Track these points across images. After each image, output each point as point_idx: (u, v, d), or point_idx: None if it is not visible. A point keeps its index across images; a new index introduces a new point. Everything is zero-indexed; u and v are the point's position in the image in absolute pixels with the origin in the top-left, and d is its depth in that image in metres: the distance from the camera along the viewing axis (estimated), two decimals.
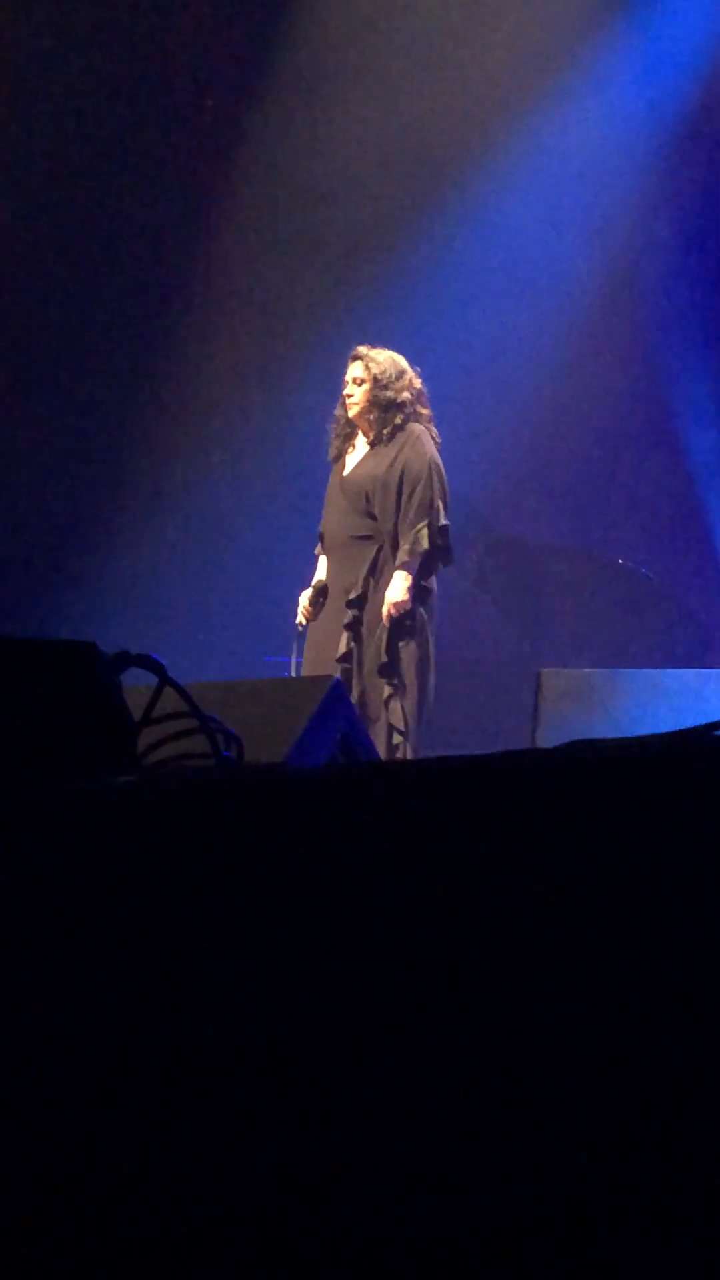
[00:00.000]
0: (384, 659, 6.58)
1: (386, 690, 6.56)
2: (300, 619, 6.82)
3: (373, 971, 1.55)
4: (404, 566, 6.62)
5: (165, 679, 2.37)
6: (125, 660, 2.27)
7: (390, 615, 6.56)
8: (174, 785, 1.88)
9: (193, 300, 10.01)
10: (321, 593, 6.81)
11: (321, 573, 6.87)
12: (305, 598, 6.82)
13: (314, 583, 6.86)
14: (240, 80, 10.06)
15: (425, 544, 6.64)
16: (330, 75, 9.94)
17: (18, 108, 9.42)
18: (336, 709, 4.24)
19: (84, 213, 9.63)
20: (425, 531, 6.65)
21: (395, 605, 6.56)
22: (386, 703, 6.56)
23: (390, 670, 6.58)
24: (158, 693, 2.38)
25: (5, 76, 9.42)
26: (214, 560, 9.70)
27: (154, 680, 2.38)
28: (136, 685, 2.40)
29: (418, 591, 6.65)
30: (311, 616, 6.81)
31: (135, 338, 9.79)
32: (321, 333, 9.30)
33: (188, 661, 8.19)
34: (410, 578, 6.61)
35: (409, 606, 6.59)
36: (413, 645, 6.63)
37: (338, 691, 4.33)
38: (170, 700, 2.39)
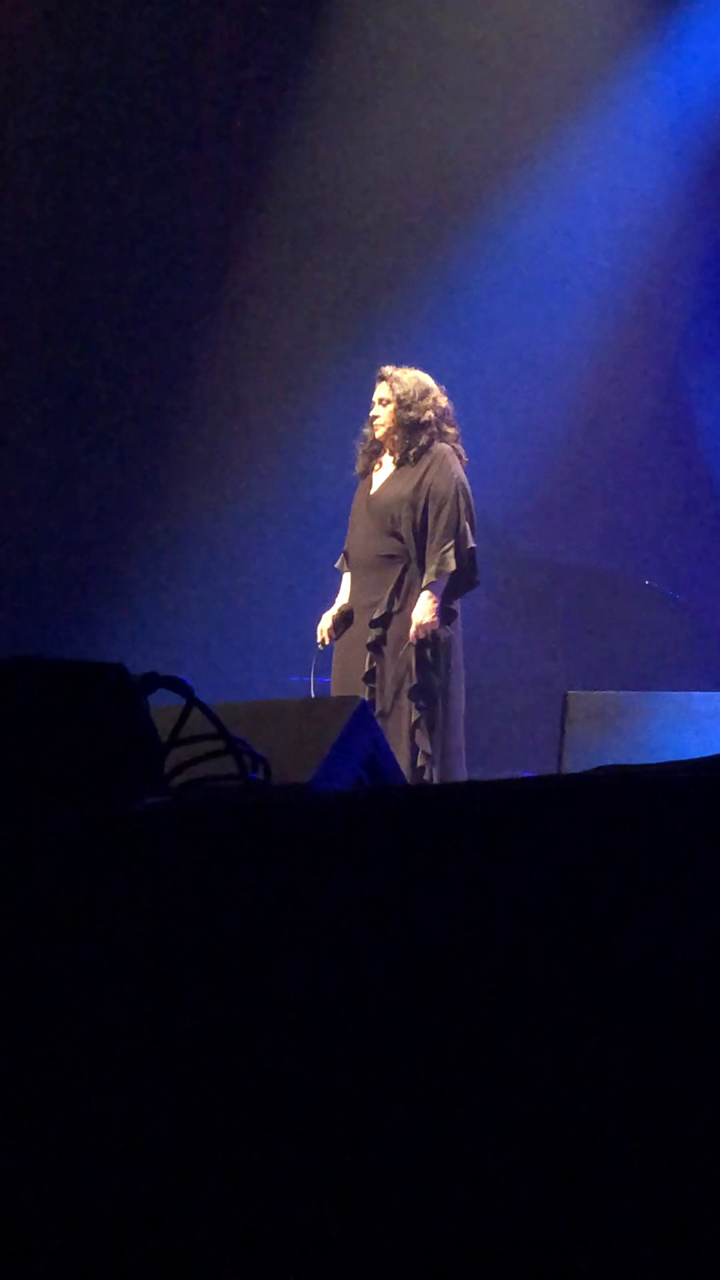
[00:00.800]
0: (413, 681, 6.55)
1: (414, 714, 6.53)
2: (321, 639, 6.80)
3: (394, 994, 1.56)
4: (430, 587, 6.60)
5: (193, 700, 2.37)
6: (153, 681, 2.27)
7: (417, 636, 6.54)
8: (201, 808, 1.89)
9: (218, 322, 10.03)
10: (346, 616, 6.79)
11: (345, 594, 6.85)
12: (327, 618, 6.81)
13: (337, 604, 6.84)
14: (268, 100, 10.10)
15: (452, 565, 6.62)
16: (356, 96, 9.96)
17: (43, 126, 9.47)
18: (362, 730, 4.24)
19: (110, 232, 9.66)
20: (452, 553, 6.63)
21: (421, 626, 6.54)
22: (413, 727, 6.53)
23: (418, 693, 6.56)
24: (185, 714, 2.38)
25: (34, 96, 9.47)
26: (239, 581, 9.70)
27: (181, 700, 2.38)
28: (164, 705, 2.40)
29: (443, 613, 6.63)
30: (333, 637, 6.79)
31: (161, 359, 9.81)
32: (345, 352, 9.31)
33: (214, 682, 8.21)
34: (436, 599, 6.59)
35: (435, 627, 6.57)
36: (441, 668, 6.61)
37: (364, 713, 4.32)
38: (197, 721, 2.39)
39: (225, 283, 10.07)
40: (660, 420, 10.29)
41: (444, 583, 6.62)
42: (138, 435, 9.63)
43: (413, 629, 6.54)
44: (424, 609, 6.56)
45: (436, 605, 6.57)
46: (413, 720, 6.52)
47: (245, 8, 10.10)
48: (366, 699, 6.22)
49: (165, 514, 9.60)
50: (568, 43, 9.87)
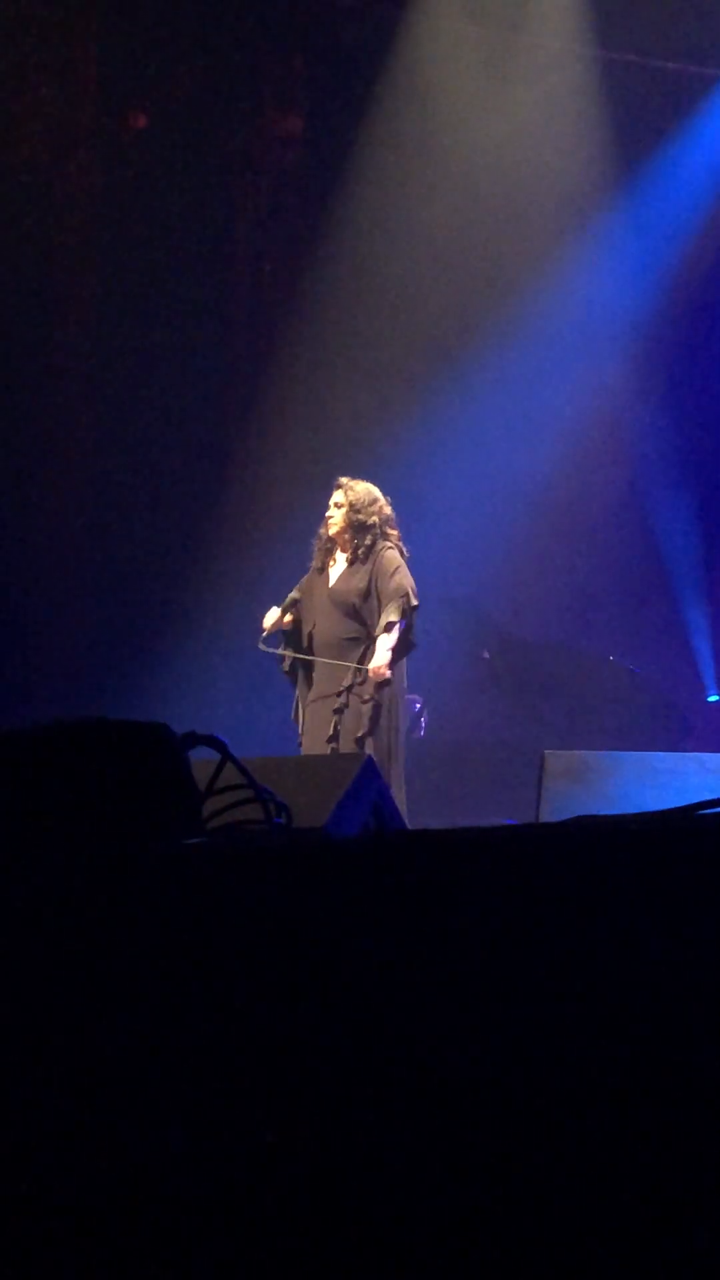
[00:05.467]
0: (365, 729, 6.57)
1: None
2: (267, 624, 6.80)
3: (391, 1012, 1.55)
4: (383, 633, 6.64)
5: (227, 755, 2.37)
6: (193, 739, 2.27)
7: (374, 676, 6.56)
8: (234, 848, 1.89)
9: (247, 435, 10.10)
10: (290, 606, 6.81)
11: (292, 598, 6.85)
12: (274, 612, 6.81)
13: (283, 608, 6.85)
14: (291, 252, 10.21)
15: (396, 615, 6.66)
16: (363, 252, 10.08)
17: (117, 262, 9.56)
18: (368, 782, 4.21)
19: (162, 341, 9.70)
20: (398, 606, 6.68)
21: (378, 670, 6.57)
22: None
23: (374, 741, 6.58)
24: (220, 767, 2.38)
25: (88, 226, 9.56)
26: (259, 657, 9.68)
27: (216, 755, 2.38)
28: (202, 759, 2.40)
29: (394, 666, 6.66)
30: (280, 622, 6.79)
31: (195, 462, 9.85)
32: (358, 458, 9.36)
33: (240, 737, 8.18)
34: (393, 642, 6.62)
35: (388, 674, 6.59)
36: (390, 719, 6.65)
37: (370, 767, 4.30)
38: (231, 772, 2.39)
39: (253, 412, 10.13)
40: (624, 523, 10.35)
41: (394, 630, 6.62)
42: (177, 540, 9.66)
43: (371, 670, 6.56)
44: (382, 650, 6.59)
45: (393, 645, 6.61)
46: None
47: (275, 163, 10.23)
48: (372, 757, 6.21)
49: (203, 608, 9.62)
50: (546, 214, 9.99)
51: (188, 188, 9.74)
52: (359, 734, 6.56)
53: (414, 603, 6.70)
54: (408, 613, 6.67)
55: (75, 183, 9.46)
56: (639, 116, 10.01)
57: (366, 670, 6.62)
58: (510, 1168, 1.43)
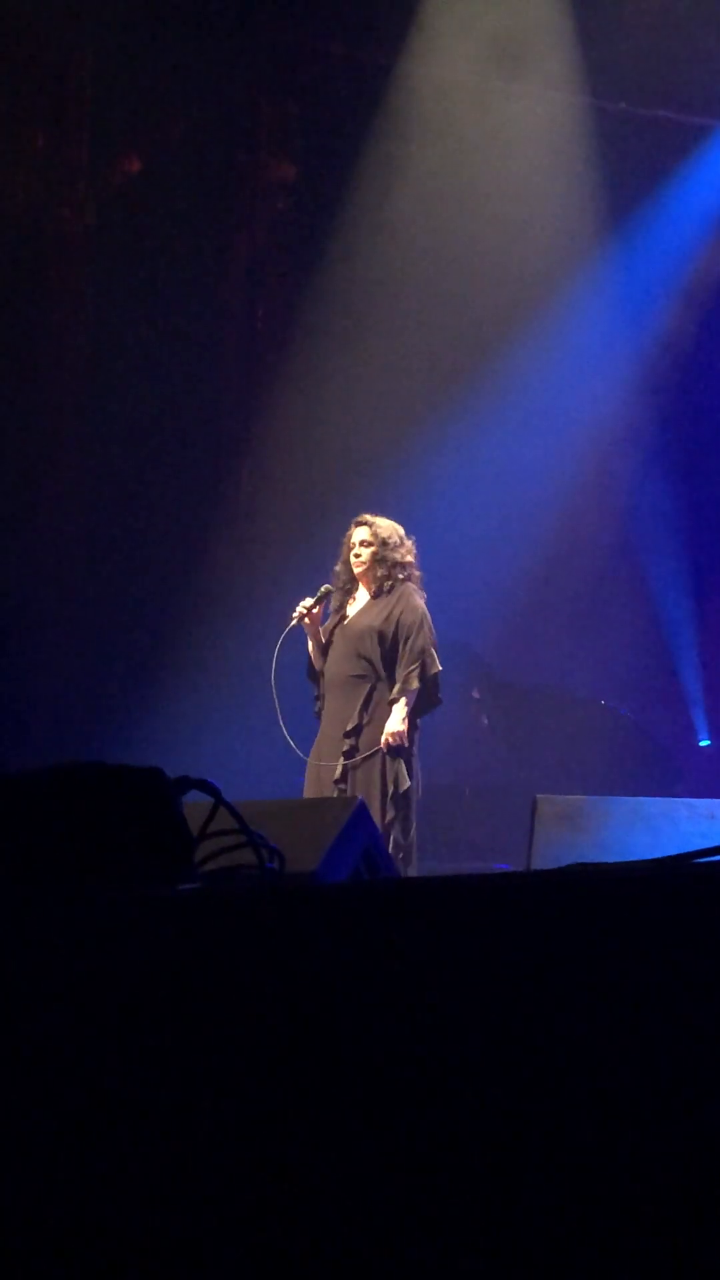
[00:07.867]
0: (402, 787, 6.54)
1: (390, 813, 6.51)
2: (301, 613, 6.79)
3: (383, 1061, 1.54)
4: (399, 701, 6.62)
5: (220, 800, 2.37)
6: (186, 783, 2.27)
7: (389, 743, 6.54)
8: (226, 893, 1.88)
9: (241, 476, 10.12)
10: (320, 599, 6.81)
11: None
12: (307, 602, 6.81)
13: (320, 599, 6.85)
14: (285, 297, 10.26)
15: (415, 684, 6.65)
16: (357, 297, 10.13)
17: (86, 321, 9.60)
18: (360, 828, 4.20)
19: (156, 385, 9.73)
20: (416, 673, 6.66)
21: (393, 735, 6.55)
22: (389, 824, 6.51)
23: (394, 795, 6.55)
24: (213, 811, 2.37)
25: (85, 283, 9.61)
26: (250, 700, 9.68)
27: (209, 798, 2.37)
28: (194, 802, 2.39)
29: (410, 725, 6.64)
30: (307, 610, 6.78)
31: (190, 503, 9.86)
32: (350, 501, 9.37)
33: (227, 780, 8.15)
34: (406, 710, 6.61)
35: (405, 736, 6.57)
36: (410, 774, 6.63)
37: (361, 812, 4.29)
38: (223, 816, 2.38)
39: (246, 445, 10.16)
40: (615, 569, 10.39)
41: (412, 698, 6.63)
42: (168, 571, 9.66)
43: (385, 736, 6.54)
44: (396, 719, 6.57)
45: (405, 715, 6.58)
46: (388, 819, 6.49)
47: (268, 209, 10.28)
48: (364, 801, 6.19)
49: (197, 648, 9.62)
50: (542, 244, 10.05)
51: (181, 233, 9.79)
52: (401, 789, 6.54)
53: (435, 670, 6.70)
54: (427, 680, 6.67)
55: (68, 227, 9.51)
56: (630, 164, 10.09)
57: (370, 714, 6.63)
58: (509, 1215, 1.41)
